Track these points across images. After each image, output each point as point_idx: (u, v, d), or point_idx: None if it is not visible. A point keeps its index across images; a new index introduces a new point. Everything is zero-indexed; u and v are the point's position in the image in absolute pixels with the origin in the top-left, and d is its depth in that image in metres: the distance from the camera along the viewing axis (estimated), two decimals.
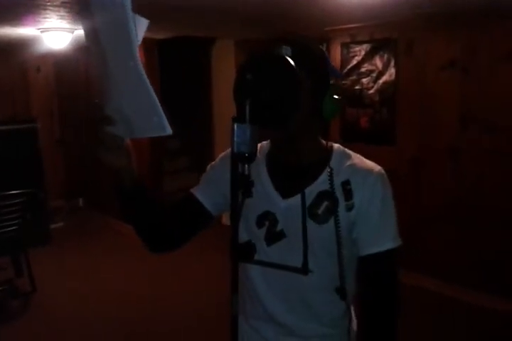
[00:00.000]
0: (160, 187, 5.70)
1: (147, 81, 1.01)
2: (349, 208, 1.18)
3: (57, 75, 6.68)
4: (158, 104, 1.03)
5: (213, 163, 1.38)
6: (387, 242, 1.19)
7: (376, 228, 1.19)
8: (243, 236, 1.19)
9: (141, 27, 1.05)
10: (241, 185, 1.00)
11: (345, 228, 1.19)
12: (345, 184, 1.18)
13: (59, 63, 6.54)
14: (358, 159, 1.24)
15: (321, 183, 1.20)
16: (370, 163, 1.24)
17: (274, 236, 1.22)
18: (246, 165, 0.99)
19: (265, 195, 1.23)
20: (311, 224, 1.17)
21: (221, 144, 5.91)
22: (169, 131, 1.03)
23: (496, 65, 3.64)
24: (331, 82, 1.18)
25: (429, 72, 4.03)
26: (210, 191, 1.33)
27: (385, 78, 4.30)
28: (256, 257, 1.23)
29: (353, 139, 4.46)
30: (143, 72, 1.01)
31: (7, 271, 4.51)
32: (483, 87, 3.73)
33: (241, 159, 0.98)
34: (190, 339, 3.50)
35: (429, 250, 4.14)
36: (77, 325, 3.71)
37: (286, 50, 1.08)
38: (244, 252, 1.10)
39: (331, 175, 1.18)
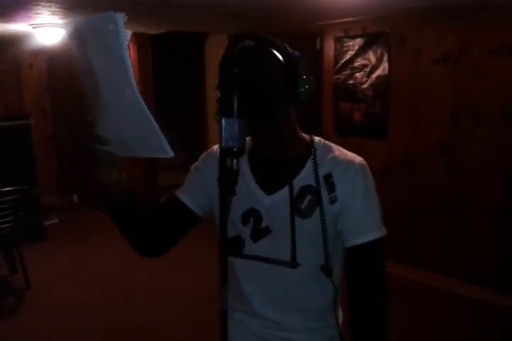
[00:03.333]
0: (155, 182, 5.70)
1: (145, 107, 1.00)
2: (332, 201, 1.18)
3: (50, 71, 6.66)
4: (158, 129, 1.02)
5: (196, 163, 1.38)
6: (371, 232, 1.20)
7: (360, 219, 1.20)
8: (230, 234, 1.19)
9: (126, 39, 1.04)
10: (230, 180, 1.00)
11: (330, 221, 1.20)
12: (328, 177, 1.19)
13: (51, 59, 6.51)
14: (339, 151, 1.24)
15: (303, 177, 1.20)
16: (351, 155, 1.24)
17: (259, 233, 1.22)
18: (235, 160, 0.99)
19: (249, 191, 1.23)
20: (295, 218, 1.17)
21: (216, 138, 5.91)
22: (171, 153, 1.04)
23: (488, 58, 3.66)
24: (297, 65, 1.15)
25: (421, 66, 4.04)
26: (194, 192, 1.33)
27: (378, 72, 4.30)
28: (244, 252, 1.24)
29: (347, 133, 4.46)
30: (140, 99, 1.00)
31: (1, 267, 4.52)
32: (475, 80, 3.74)
33: (230, 154, 0.98)
34: (184, 331, 3.52)
35: (420, 241, 4.16)
36: (71, 321, 3.71)
37: (249, 43, 1.08)
38: (233, 246, 1.10)
39: (315, 170, 1.18)
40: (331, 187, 1.18)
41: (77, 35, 1.08)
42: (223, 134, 0.97)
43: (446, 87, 3.91)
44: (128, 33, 1.01)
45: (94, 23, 1.02)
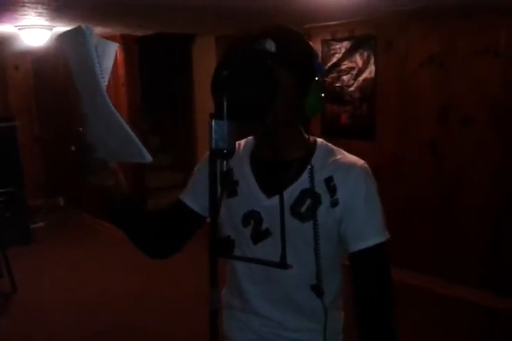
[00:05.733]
0: (143, 184, 5.68)
1: (118, 115, 1.05)
2: (334, 204, 1.18)
3: (36, 73, 6.61)
4: (133, 136, 1.07)
5: (198, 164, 1.38)
6: (375, 236, 1.19)
7: (362, 223, 1.19)
8: (230, 235, 1.21)
9: (110, 51, 1.09)
10: (221, 181, 1.01)
11: (332, 224, 1.19)
12: (329, 180, 1.18)
13: (37, 61, 6.47)
14: (341, 154, 1.24)
15: (304, 181, 1.20)
16: (352, 158, 1.24)
17: (260, 235, 1.22)
18: (225, 162, 1.00)
19: (250, 193, 1.23)
20: (294, 222, 1.18)
21: (204, 140, 5.91)
22: (149, 158, 1.09)
23: (473, 59, 3.70)
24: (316, 78, 1.17)
25: (408, 68, 4.08)
26: (197, 194, 1.33)
27: (364, 75, 4.33)
28: (242, 254, 1.25)
29: (334, 135, 4.48)
30: (112, 107, 1.05)
31: None
32: (461, 81, 3.78)
33: (219, 155, 0.98)
34: (174, 333, 3.51)
35: (412, 243, 4.19)
36: (60, 323, 3.69)
37: (269, 44, 1.08)
38: (223, 248, 1.10)
39: (311, 174, 1.18)
40: (333, 190, 1.17)
41: (61, 48, 1.15)
42: (213, 136, 0.97)
43: (433, 88, 3.95)
44: (114, 45, 1.06)
45: (68, 36, 1.08)
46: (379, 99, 4.28)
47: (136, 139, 1.06)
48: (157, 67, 6.79)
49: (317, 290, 1.18)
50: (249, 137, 1.32)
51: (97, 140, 1.15)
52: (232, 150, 0.98)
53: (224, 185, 1.09)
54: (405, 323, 3.50)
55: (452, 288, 3.91)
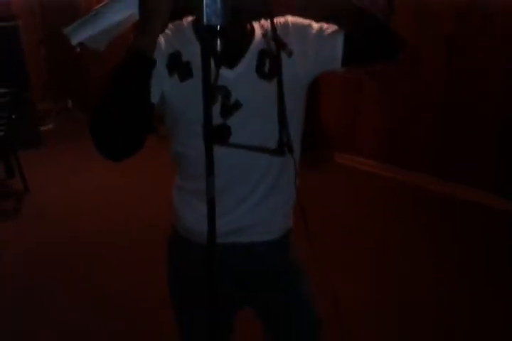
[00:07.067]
0: None
1: None
2: (289, 54, 1.16)
3: None
4: None
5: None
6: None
7: (327, 37, 1.20)
8: (195, 118, 1.07)
9: None
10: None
11: (301, 73, 1.21)
12: (275, 37, 1.17)
13: None
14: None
15: (257, 43, 1.21)
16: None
17: (229, 109, 1.17)
18: (218, 40, 0.92)
19: None
20: (263, 84, 1.18)
21: None
22: None
23: None
24: None
25: None
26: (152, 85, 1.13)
27: None
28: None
29: None
30: None
31: None
32: None
33: (212, 32, 0.90)
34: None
35: (418, 143, 4.16)
36: (69, 222, 3.77)
37: None
38: (219, 135, 1.06)
39: (265, 33, 1.20)
40: (281, 43, 1.16)
41: None
42: (204, 10, 0.88)
43: None
44: None
45: None
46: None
47: None
48: None
49: (288, 146, 1.16)
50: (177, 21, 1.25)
51: None
52: (226, 27, 0.90)
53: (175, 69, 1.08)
54: (412, 224, 3.56)
55: (466, 191, 3.89)
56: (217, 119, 1.14)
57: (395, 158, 4.31)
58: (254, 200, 1.23)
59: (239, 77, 1.16)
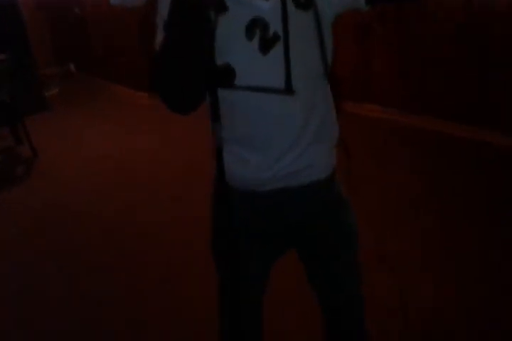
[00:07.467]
0: None
1: None
2: None
3: None
4: None
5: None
6: None
7: None
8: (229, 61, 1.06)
9: None
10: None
11: (328, 9, 1.14)
12: None
13: None
14: None
15: None
16: None
17: (269, 42, 1.10)
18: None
19: (243, 2, 1.08)
20: (300, 14, 1.10)
21: None
22: None
23: None
24: None
25: None
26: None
27: None
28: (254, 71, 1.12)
29: None
30: None
31: (7, 139, 4.53)
32: None
33: None
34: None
35: (429, 84, 4.07)
36: (79, 187, 3.74)
37: None
38: (223, 77, 0.99)
39: None
40: None
41: None
42: None
43: None
44: None
45: None
46: None
47: None
48: None
49: (332, 77, 1.14)
50: None
51: None
52: None
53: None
54: (418, 163, 3.48)
55: (476, 131, 3.82)
56: (258, 56, 1.09)
57: (408, 103, 4.24)
58: (306, 141, 1.19)
59: (275, 8, 1.07)
